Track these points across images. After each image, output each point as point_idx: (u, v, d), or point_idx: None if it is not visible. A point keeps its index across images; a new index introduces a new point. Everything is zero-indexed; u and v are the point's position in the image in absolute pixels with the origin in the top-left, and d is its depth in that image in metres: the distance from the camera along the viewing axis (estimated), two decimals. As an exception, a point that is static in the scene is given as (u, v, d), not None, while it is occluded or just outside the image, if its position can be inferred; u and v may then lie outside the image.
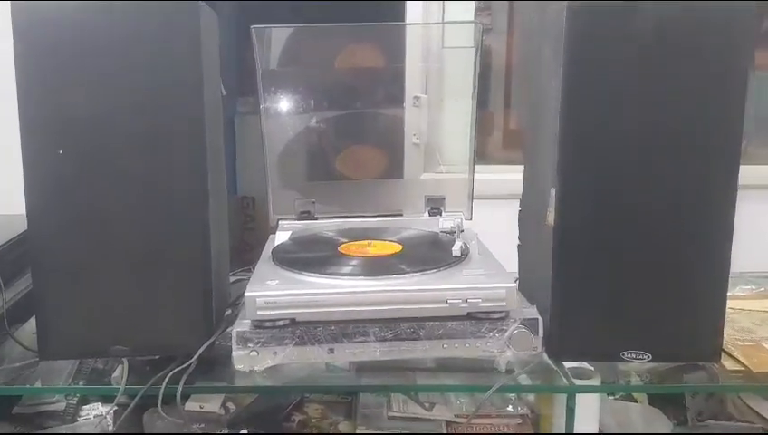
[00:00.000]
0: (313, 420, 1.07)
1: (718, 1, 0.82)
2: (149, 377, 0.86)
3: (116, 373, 0.92)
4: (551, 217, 0.87)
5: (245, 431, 1.05)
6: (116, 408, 1.03)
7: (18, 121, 0.83)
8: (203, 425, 1.05)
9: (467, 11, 2.35)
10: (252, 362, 0.84)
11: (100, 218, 0.85)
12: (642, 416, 1.08)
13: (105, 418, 1.10)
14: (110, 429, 1.06)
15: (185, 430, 0.95)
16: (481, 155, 2.31)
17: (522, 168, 1.06)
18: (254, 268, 1.07)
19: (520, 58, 2.49)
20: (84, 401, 1.15)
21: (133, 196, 0.85)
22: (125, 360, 0.89)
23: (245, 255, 1.02)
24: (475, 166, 1.15)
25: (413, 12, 2.19)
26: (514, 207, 1.07)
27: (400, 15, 2.17)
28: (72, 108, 0.83)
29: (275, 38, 1.07)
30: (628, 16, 0.82)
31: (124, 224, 0.85)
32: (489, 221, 1.16)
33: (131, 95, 0.83)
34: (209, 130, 0.88)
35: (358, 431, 1.04)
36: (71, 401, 1.12)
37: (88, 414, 1.12)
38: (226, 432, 1.05)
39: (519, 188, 1.08)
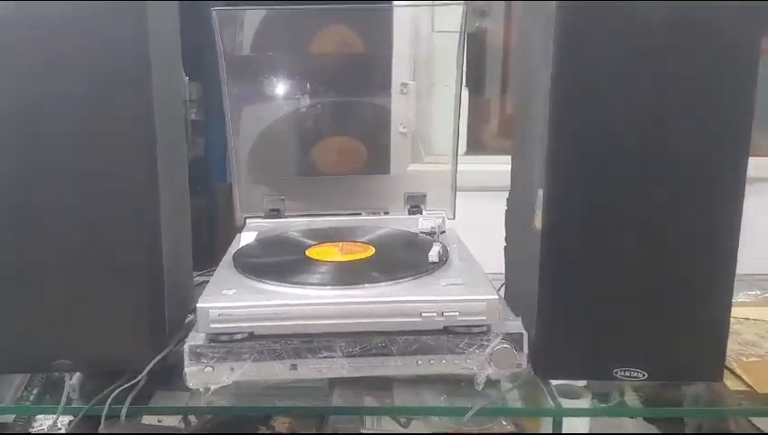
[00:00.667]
0: (280, 436, 1.00)
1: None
2: (105, 385, 0.79)
3: (73, 380, 0.84)
4: (538, 222, 0.78)
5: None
6: (71, 418, 0.97)
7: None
8: (160, 441, 0.97)
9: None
10: (206, 378, 0.76)
11: (37, 219, 0.77)
12: (636, 431, 1.00)
13: (60, 429, 1.02)
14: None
15: None
16: (476, 144, 2.23)
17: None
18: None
19: (514, 41, 2.40)
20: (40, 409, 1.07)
21: (73, 193, 0.77)
22: (67, 375, 0.81)
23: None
24: (470, 156, 1.07)
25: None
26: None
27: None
28: (4, 101, 0.75)
29: (240, 20, 0.98)
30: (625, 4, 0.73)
31: (64, 227, 0.77)
32: (483, 215, 1.08)
33: (69, 82, 0.75)
34: (160, 120, 0.79)
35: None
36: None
37: (41, 425, 1.04)
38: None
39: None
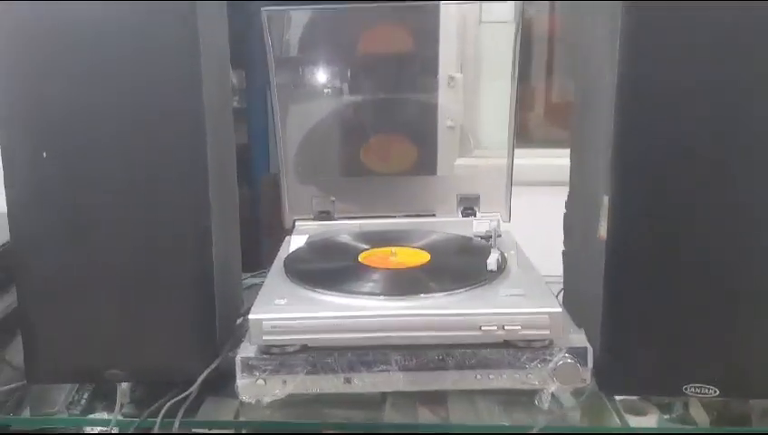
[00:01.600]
0: (332, 445, 0.98)
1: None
2: (155, 392, 0.80)
3: (123, 386, 0.83)
4: (603, 230, 0.74)
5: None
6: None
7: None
8: (210, 449, 0.96)
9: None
10: (258, 391, 0.75)
11: (89, 230, 0.76)
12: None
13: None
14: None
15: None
16: (521, 135, 2.18)
17: (564, 151, 0.95)
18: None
19: (565, 28, 2.35)
20: (90, 410, 1.07)
21: (125, 205, 0.76)
22: (119, 385, 0.80)
23: (276, 235, 0.96)
24: (515, 150, 1.04)
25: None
26: (556, 195, 0.95)
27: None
28: (55, 107, 0.74)
29: (288, 19, 0.96)
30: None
31: (115, 235, 0.77)
32: (530, 210, 1.04)
33: (121, 93, 0.74)
34: (211, 128, 0.78)
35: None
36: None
37: (92, 430, 1.04)
38: None
39: (562, 174, 0.96)
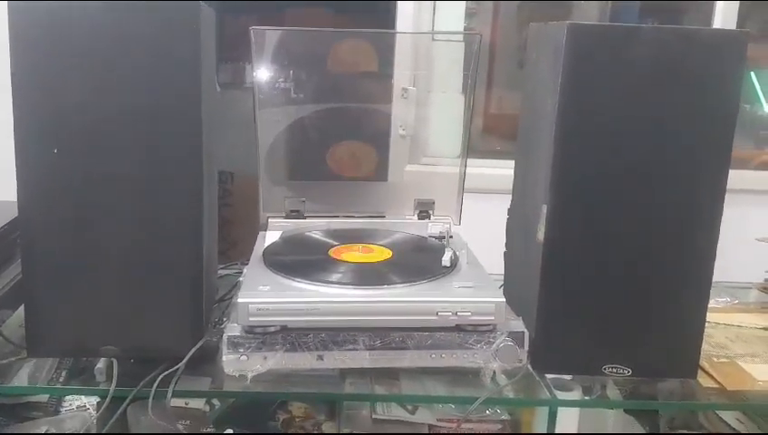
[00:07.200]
0: (297, 420, 1.09)
1: (714, 29, 0.83)
2: (134, 370, 0.88)
3: (99, 365, 0.91)
4: (541, 234, 0.88)
5: (231, 431, 1.06)
6: (98, 399, 1.05)
7: (12, 114, 0.82)
8: (188, 421, 1.06)
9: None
10: (242, 366, 0.84)
11: (93, 218, 0.85)
12: (617, 422, 1.12)
13: (87, 409, 1.10)
14: (93, 420, 1.07)
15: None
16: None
17: (498, 162, 1.07)
18: (242, 263, 1.08)
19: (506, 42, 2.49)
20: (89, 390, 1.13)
21: (126, 196, 0.85)
22: (115, 360, 0.89)
23: (223, 229, 1.03)
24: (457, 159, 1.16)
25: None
26: (493, 201, 1.09)
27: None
28: (67, 104, 0.83)
29: (271, 38, 1.06)
30: (626, 39, 0.83)
31: (117, 223, 0.85)
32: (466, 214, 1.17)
33: (128, 94, 0.83)
34: (206, 130, 0.87)
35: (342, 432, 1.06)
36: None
37: (70, 404, 1.12)
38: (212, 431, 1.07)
39: (498, 183, 1.08)
